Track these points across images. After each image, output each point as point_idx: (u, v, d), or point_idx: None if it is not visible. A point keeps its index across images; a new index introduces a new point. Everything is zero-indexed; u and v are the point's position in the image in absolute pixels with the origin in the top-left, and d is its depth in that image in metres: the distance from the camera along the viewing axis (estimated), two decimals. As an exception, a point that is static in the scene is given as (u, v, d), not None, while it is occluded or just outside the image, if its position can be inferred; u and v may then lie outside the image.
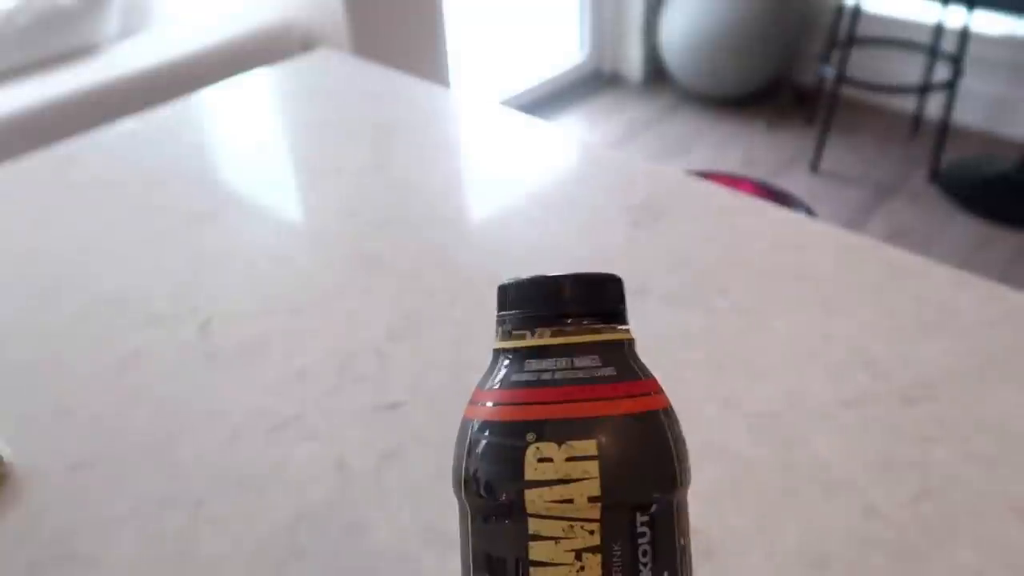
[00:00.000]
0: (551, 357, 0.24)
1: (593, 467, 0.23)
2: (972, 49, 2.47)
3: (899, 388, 0.57)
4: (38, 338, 0.66)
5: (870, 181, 2.47)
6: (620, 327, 0.26)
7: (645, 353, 0.61)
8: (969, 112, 2.65)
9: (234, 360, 0.62)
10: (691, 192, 0.81)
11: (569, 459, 0.23)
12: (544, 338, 0.25)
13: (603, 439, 0.23)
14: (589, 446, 0.23)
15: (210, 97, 1.08)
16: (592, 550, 0.23)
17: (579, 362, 0.24)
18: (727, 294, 0.67)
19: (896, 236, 2.21)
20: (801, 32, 2.78)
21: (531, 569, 0.23)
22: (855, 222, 2.29)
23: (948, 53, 2.40)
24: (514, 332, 0.25)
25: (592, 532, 0.23)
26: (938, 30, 2.45)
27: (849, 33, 2.40)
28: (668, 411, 0.25)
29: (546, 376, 0.24)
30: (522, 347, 0.25)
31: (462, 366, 0.61)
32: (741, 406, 0.56)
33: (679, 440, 0.25)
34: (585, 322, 0.25)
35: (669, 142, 2.72)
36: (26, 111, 1.76)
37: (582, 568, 0.23)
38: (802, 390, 0.57)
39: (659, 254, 0.72)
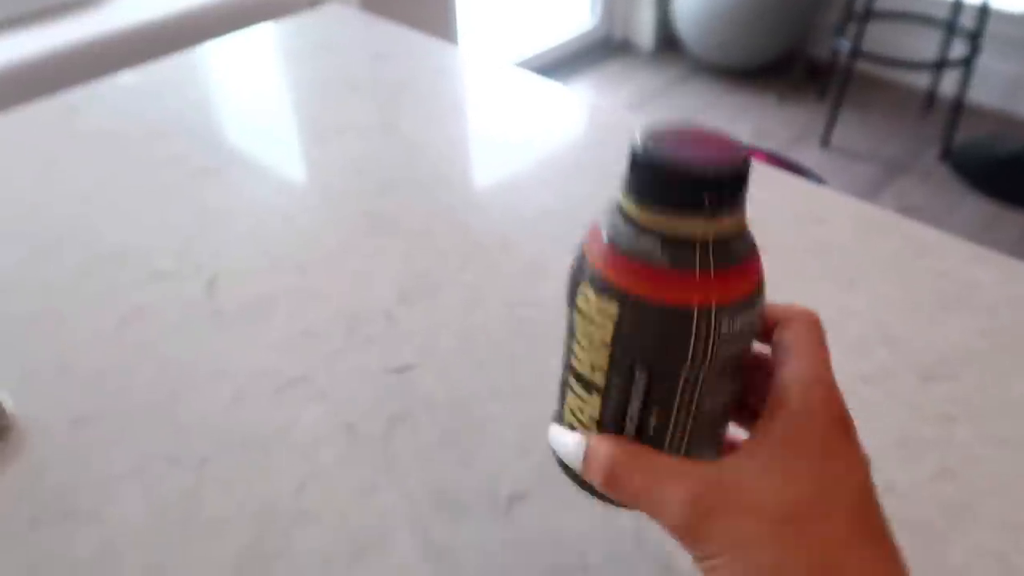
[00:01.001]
0: (631, 225, 0.29)
1: (609, 324, 0.29)
2: (991, 26, 2.42)
3: (918, 365, 0.56)
4: (40, 292, 0.65)
5: (881, 158, 2.44)
6: (713, 219, 0.28)
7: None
8: (984, 90, 2.62)
9: (239, 319, 0.61)
10: (708, 160, 0.79)
11: (598, 309, 0.29)
12: (646, 217, 0.28)
13: (623, 308, 0.29)
14: (611, 308, 0.29)
15: (215, 51, 1.05)
16: (599, 369, 0.31)
17: (644, 241, 0.28)
18: (745, 265, 0.65)
19: (905, 214, 2.19)
20: (816, 4, 2.73)
21: (572, 355, 0.32)
22: (864, 199, 2.26)
23: (966, 29, 2.36)
24: (631, 201, 0.29)
25: (603, 359, 0.31)
26: (956, 5, 2.41)
27: (866, 6, 2.35)
28: (706, 306, 0.28)
29: (619, 238, 0.29)
30: (625, 212, 0.29)
31: (473, 330, 0.59)
32: (758, 379, 0.55)
33: (707, 334, 0.29)
34: (677, 212, 0.28)
35: (678, 113, 2.68)
36: (29, 61, 1.73)
37: (592, 373, 0.31)
38: (820, 364, 0.56)
39: (675, 222, 0.70)
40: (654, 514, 0.29)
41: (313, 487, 0.49)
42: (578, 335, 0.31)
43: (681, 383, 0.30)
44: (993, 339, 0.57)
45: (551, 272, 0.65)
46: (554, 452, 0.34)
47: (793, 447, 0.29)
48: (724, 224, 0.28)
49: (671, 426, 0.31)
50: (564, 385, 0.34)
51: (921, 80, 2.72)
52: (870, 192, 2.30)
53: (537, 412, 0.53)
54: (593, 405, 0.32)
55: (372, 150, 0.82)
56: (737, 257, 0.28)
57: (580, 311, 0.30)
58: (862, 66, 2.64)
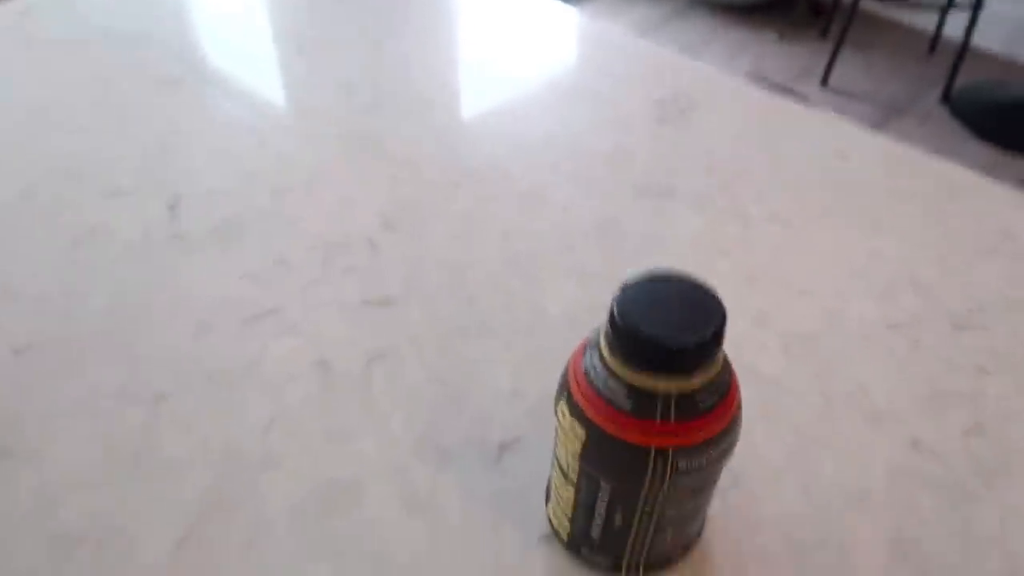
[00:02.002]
0: (599, 358, 0.31)
1: (579, 445, 0.32)
2: (1003, -34, 2.33)
3: (950, 313, 0.51)
4: (-18, 207, 0.58)
5: (881, 99, 2.37)
6: (673, 377, 0.29)
7: (669, 263, 0.55)
8: (989, 34, 2.54)
9: (205, 243, 0.55)
10: (722, 88, 0.73)
11: (571, 427, 0.32)
12: (616, 366, 0.30)
13: (590, 435, 0.31)
14: (581, 432, 0.31)
15: (186, -47, 0.96)
16: (574, 472, 0.34)
17: (613, 384, 0.30)
18: (762, 201, 0.60)
19: (903, 161, 2.14)
20: (824, -63, 2.62)
21: (556, 447, 0.35)
22: (863, 144, 2.20)
23: (977, -31, 2.27)
24: (606, 347, 0.31)
25: (575, 466, 0.33)
26: (970, -57, 2.31)
27: (876, -60, 2.25)
28: (662, 449, 0.30)
29: (590, 370, 0.31)
30: (601, 353, 0.31)
31: (462, 262, 0.54)
32: (776, 325, 0.50)
33: (656, 471, 0.31)
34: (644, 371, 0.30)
35: (676, 48, 2.58)
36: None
37: (570, 471, 0.34)
38: (843, 310, 0.51)
39: (686, 153, 0.64)
40: None
41: (282, 429, 0.44)
42: (559, 434, 0.34)
43: (642, 499, 0.32)
44: (1027, 286, 0.53)
45: (548, 203, 0.59)
46: None
47: None
48: (689, 383, 0.29)
49: (634, 526, 0.34)
50: (553, 459, 0.36)
51: (926, 21, 2.63)
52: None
53: (531, 353, 0.48)
54: (569, 492, 0.35)
55: (359, 67, 0.75)
56: (702, 408, 0.30)
57: (559, 419, 0.33)
58: (866, 5, 2.55)
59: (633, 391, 0.30)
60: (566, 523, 0.37)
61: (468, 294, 0.52)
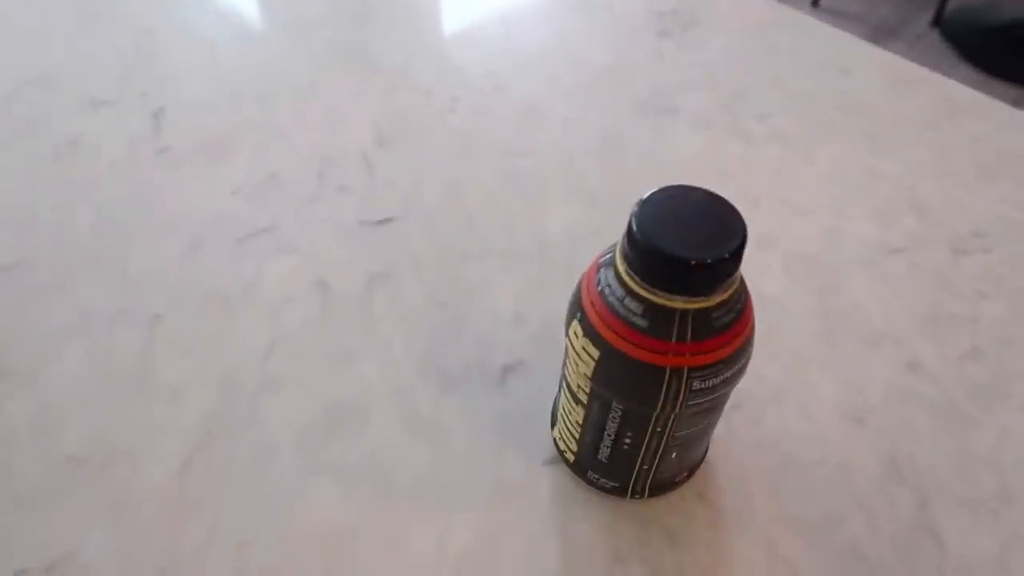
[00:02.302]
0: (617, 279, 0.30)
1: (591, 364, 0.31)
2: None
3: (950, 236, 0.51)
4: (-46, 117, 0.55)
5: (871, 21, 2.32)
6: (692, 298, 0.29)
7: (670, 182, 0.54)
8: (987, -49, 2.47)
9: (193, 157, 0.53)
10: (723, 1, 0.70)
11: (583, 347, 0.32)
12: (633, 279, 0.29)
13: (603, 354, 0.31)
14: (594, 352, 0.31)
15: None
16: (584, 391, 0.33)
17: (629, 303, 0.29)
18: (764, 119, 0.59)
19: (893, 81, 2.11)
20: None
21: (565, 368, 0.35)
22: (853, 63, 2.17)
23: None
24: (623, 264, 0.30)
25: (586, 385, 0.33)
26: None
27: None
28: (678, 375, 0.30)
29: (606, 290, 0.30)
30: (617, 271, 0.30)
31: (461, 180, 0.53)
32: (776, 244, 0.50)
33: (670, 387, 0.30)
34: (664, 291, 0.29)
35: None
36: None
37: (581, 391, 0.34)
38: (844, 231, 0.51)
39: (688, 69, 0.63)
40: None
41: (282, 351, 0.43)
42: (569, 356, 0.33)
43: (653, 420, 0.32)
44: (1028, 210, 0.53)
45: (547, 118, 0.57)
46: None
47: None
48: (708, 301, 0.29)
49: (643, 447, 0.34)
50: (561, 381, 0.36)
51: (923, -64, 2.55)
52: (859, 56, 2.20)
53: (534, 274, 0.47)
54: (578, 414, 0.35)
55: (342, -30, 0.71)
56: (718, 327, 0.29)
57: (570, 341, 0.32)
58: (864, -83, 2.46)
59: (650, 309, 0.29)
60: (573, 445, 0.37)
61: (467, 214, 0.51)
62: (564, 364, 0.35)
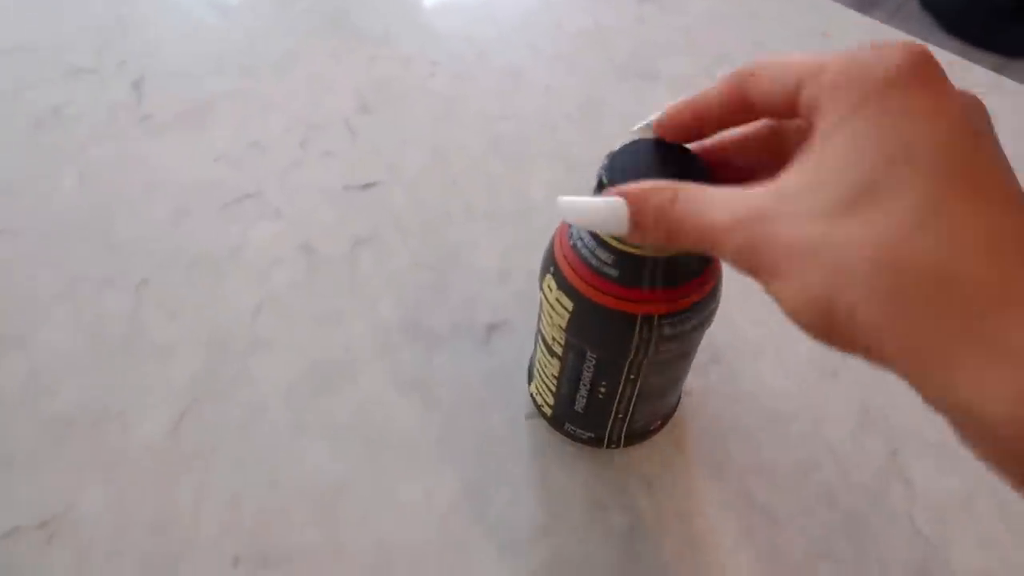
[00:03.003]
0: (600, 247, 0.30)
1: (566, 316, 0.32)
2: None
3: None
4: (-67, 87, 0.55)
5: (855, -11, 2.32)
6: (645, 247, 0.30)
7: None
8: (969, -81, 2.47)
9: (175, 125, 0.53)
10: (704, -35, 0.70)
11: (558, 300, 0.33)
12: (604, 235, 0.30)
13: (576, 306, 0.32)
14: (568, 303, 0.32)
15: None
16: (559, 343, 0.34)
17: (600, 254, 0.30)
18: (743, 82, 0.59)
19: (875, 50, 2.12)
20: None
21: (539, 321, 0.36)
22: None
23: None
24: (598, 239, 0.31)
25: (561, 338, 0.34)
26: None
27: None
28: (640, 318, 0.31)
29: (578, 244, 0.31)
30: (595, 235, 0.30)
31: (444, 144, 0.53)
32: (755, 206, 0.51)
33: (640, 337, 0.31)
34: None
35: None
36: None
37: (555, 344, 0.35)
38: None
39: (669, 34, 0.63)
40: (708, 244, 0.24)
41: (269, 313, 0.44)
42: (544, 309, 0.34)
43: (626, 368, 0.33)
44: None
45: (530, 82, 0.58)
46: (568, 233, 0.32)
47: (844, 137, 0.21)
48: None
49: (618, 396, 0.35)
50: (537, 336, 0.37)
51: (906, -96, 2.55)
52: (842, 26, 2.20)
53: (516, 235, 0.48)
54: (554, 366, 0.36)
55: (321, -63, 0.71)
56: (687, 273, 0.30)
57: (544, 294, 0.33)
58: None
59: (620, 258, 0.30)
60: (550, 399, 0.38)
61: (451, 178, 0.51)
62: (539, 319, 0.36)
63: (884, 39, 0.63)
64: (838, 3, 0.65)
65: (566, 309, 0.32)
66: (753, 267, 0.22)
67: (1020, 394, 0.18)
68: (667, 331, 0.31)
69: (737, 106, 0.26)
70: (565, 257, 0.32)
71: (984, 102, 0.57)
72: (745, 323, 0.45)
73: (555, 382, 0.37)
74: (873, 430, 0.41)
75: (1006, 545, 0.37)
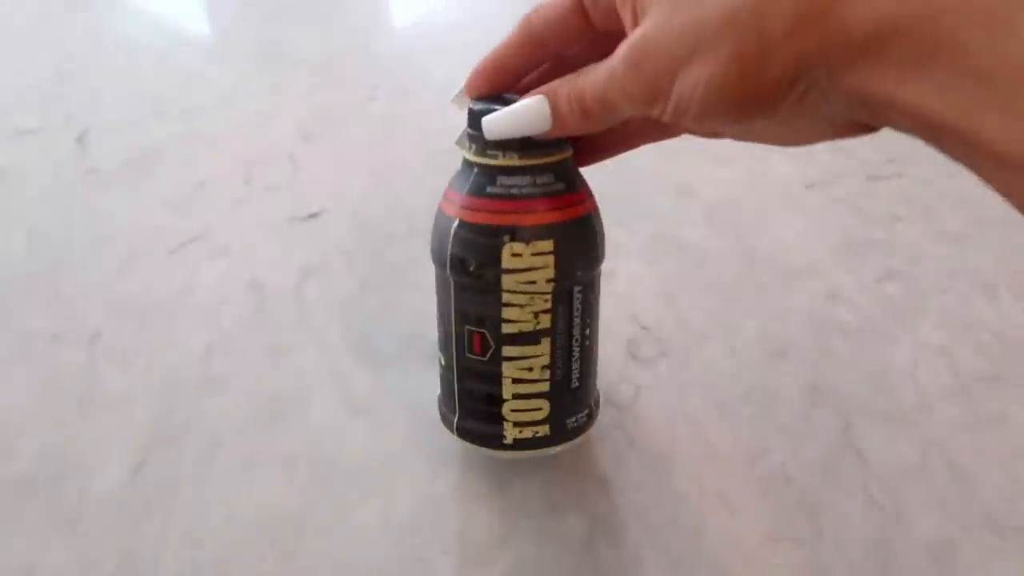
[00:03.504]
0: (518, 175, 0.31)
1: (550, 260, 0.31)
2: None
3: (865, 165, 0.52)
4: None
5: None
6: (567, 147, 0.32)
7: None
8: None
9: (120, 175, 0.54)
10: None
11: (534, 254, 0.31)
12: (512, 160, 0.31)
13: (557, 239, 0.31)
14: (547, 245, 0.31)
15: None
16: (545, 312, 0.33)
17: (539, 180, 0.31)
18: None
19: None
20: None
21: (503, 324, 0.33)
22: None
23: None
24: (488, 152, 0.31)
25: (546, 300, 0.32)
26: None
27: None
28: (595, 211, 0.33)
29: (514, 191, 0.31)
30: (494, 165, 0.31)
31: (387, 167, 0.54)
32: (697, 194, 0.51)
33: (601, 232, 0.34)
34: (542, 147, 0.31)
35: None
36: None
37: (538, 323, 0.33)
38: (762, 173, 0.52)
39: (603, 30, 0.63)
40: (615, 100, 0.27)
41: (221, 352, 0.44)
42: (509, 299, 0.32)
43: (597, 284, 0.34)
44: (940, 131, 0.54)
45: (469, 95, 0.58)
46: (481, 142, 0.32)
47: None
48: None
49: (595, 329, 0.35)
50: (491, 368, 0.34)
51: None
52: None
53: (462, 249, 0.49)
54: (544, 351, 0.34)
55: (256, -29, 0.71)
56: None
57: (510, 271, 0.32)
58: None
59: (557, 169, 0.31)
60: (542, 412, 0.35)
61: (394, 197, 0.52)
62: (491, 335, 0.33)
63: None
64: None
65: (549, 254, 0.31)
66: (651, 80, 0.25)
67: None
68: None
69: (529, 48, 0.30)
70: (519, 210, 0.31)
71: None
72: (691, 311, 0.45)
73: (549, 372, 0.34)
74: (823, 405, 0.41)
75: (963, 508, 0.37)
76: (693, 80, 0.23)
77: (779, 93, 0.22)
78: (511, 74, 0.31)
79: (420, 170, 0.53)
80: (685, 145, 0.54)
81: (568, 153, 0.32)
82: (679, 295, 0.46)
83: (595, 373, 0.37)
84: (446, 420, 0.38)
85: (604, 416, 0.41)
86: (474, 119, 0.31)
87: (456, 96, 0.32)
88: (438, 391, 0.39)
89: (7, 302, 0.47)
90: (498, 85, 0.31)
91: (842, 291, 0.46)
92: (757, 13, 0.21)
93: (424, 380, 0.43)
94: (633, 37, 0.25)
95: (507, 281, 0.32)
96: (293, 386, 0.43)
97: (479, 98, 0.32)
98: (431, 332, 0.45)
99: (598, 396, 0.39)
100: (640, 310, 0.45)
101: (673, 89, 0.24)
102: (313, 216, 0.51)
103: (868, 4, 0.20)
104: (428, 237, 0.50)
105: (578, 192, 0.32)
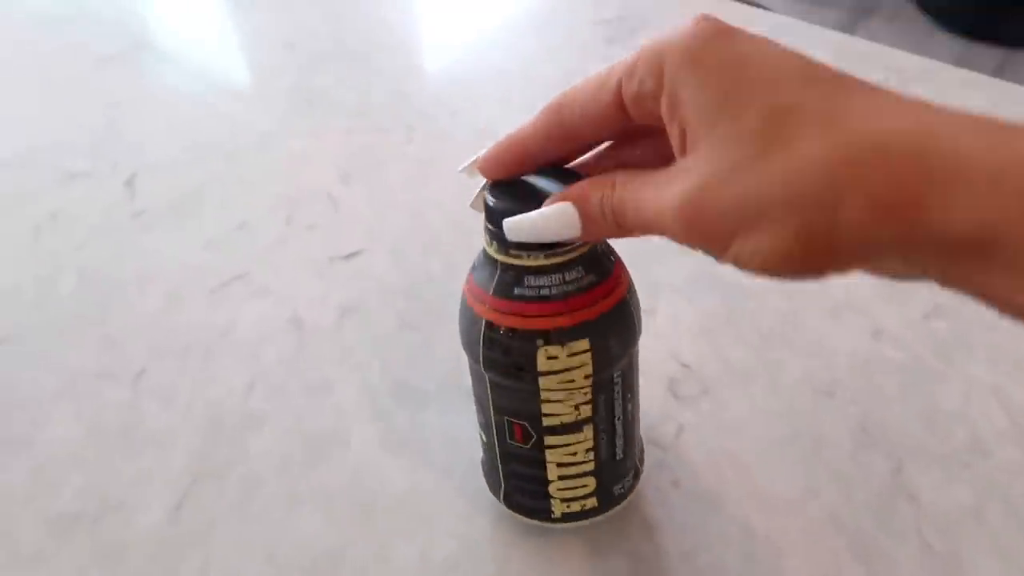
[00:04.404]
0: (546, 276, 0.29)
1: (587, 358, 0.31)
2: None
3: (906, 201, 0.52)
4: (-61, 206, 0.58)
5: (847, 1, 2.34)
6: None
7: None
8: (952, -81, 2.48)
9: (166, 216, 0.55)
10: (670, 2, 0.72)
11: (571, 355, 0.30)
12: (539, 260, 0.29)
13: (592, 337, 0.30)
14: (583, 344, 0.30)
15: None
16: (586, 403, 0.32)
17: (568, 276, 0.29)
18: (715, 111, 0.60)
19: (874, 58, 2.12)
20: None
21: (543, 417, 0.32)
22: (831, 45, 2.18)
23: None
24: (512, 252, 0.29)
25: (586, 393, 0.32)
26: None
27: None
28: (631, 288, 0.32)
29: (544, 292, 0.30)
30: (520, 265, 0.29)
31: (423, 206, 0.54)
32: (735, 231, 0.51)
33: (637, 311, 0.32)
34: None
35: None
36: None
37: (579, 413, 0.32)
38: (801, 210, 0.52)
39: (637, 71, 0.64)
40: (656, 226, 0.25)
41: (262, 388, 0.45)
42: (547, 396, 0.32)
43: (635, 358, 0.34)
44: (982, 167, 0.53)
45: (501, 135, 0.59)
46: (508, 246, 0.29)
47: (706, 98, 0.23)
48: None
49: (636, 397, 0.35)
50: (534, 454, 0.34)
51: (887, -88, 2.57)
52: (837, 38, 2.21)
53: (500, 287, 0.49)
54: (586, 436, 0.33)
55: (298, 20, 0.73)
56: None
57: (547, 373, 0.31)
58: (825, -99, 2.48)
59: (588, 265, 0.30)
60: (588, 487, 0.35)
61: (431, 237, 0.52)
62: (532, 428, 0.33)
63: (859, 56, 0.63)
64: (815, 24, 0.66)
65: (586, 352, 0.30)
66: (706, 237, 0.23)
67: None
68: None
69: (557, 136, 0.28)
70: (555, 311, 0.30)
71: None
72: (733, 349, 0.44)
73: (592, 455, 0.34)
74: (873, 446, 0.40)
75: (1022, 554, 0.36)
76: (753, 246, 0.22)
77: (847, 267, 0.21)
78: (533, 160, 0.29)
79: (456, 210, 0.54)
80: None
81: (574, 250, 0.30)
82: (720, 333, 0.45)
83: (638, 433, 0.37)
84: (493, 489, 0.38)
85: (647, 456, 0.40)
86: (494, 217, 0.29)
87: (467, 167, 0.30)
88: (481, 454, 0.38)
89: (56, 339, 0.48)
90: (517, 170, 0.29)
91: (888, 328, 0.45)
92: (827, 199, 0.20)
93: (462, 419, 0.42)
94: (686, 190, 0.23)
95: (544, 381, 0.31)
96: (333, 424, 0.43)
97: (496, 182, 0.30)
98: (468, 373, 0.44)
99: (642, 448, 0.38)
100: (681, 348, 0.45)
101: (730, 249, 0.22)
102: (352, 255, 0.51)
103: (963, 207, 0.19)
104: (464, 276, 0.50)
105: (610, 278, 0.31)
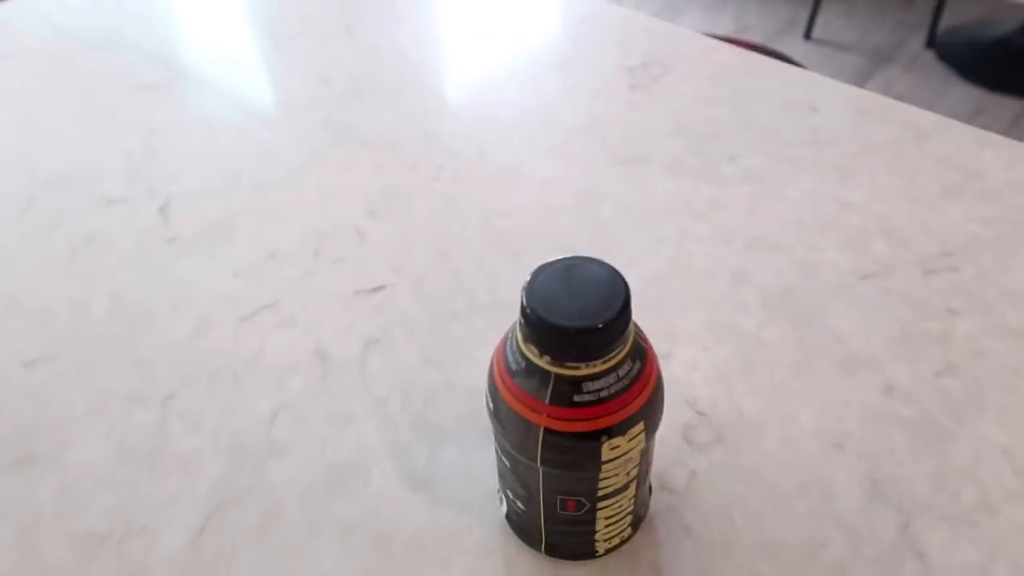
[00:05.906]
0: (603, 377, 0.31)
1: (643, 436, 0.33)
2: (980, -101, 2.30)
3: (920, 257, 0.53)
4: (-20, 224, 0.60)
5: (866, 48, 2.36)
6: (630, 318, 0.31)
7: (647, 228, 0.56)
8: (972, -29, 2.51)
9: (198, 244, 0.57)
10: (692, 50, 0.74)
11: (630, 440, 0.33)
12: (596, 367, 0.31)
13: (647, 417, 0.33)
14: (641, 427, 0.33)
15: (156, -46, 0.97)
16: (635, 467, 0.35)
17: (621, 372, 0.31)
18: (734, 160, 0.61)
19: (891, 105, 2.13)
20: None
21: (599, 490, 0.35)
22: (849, 91, 2.19)
23: (955, -96, 2.24)
24: (568, 364, 0.31)
25: (636, 462, 0.35)
26: None
27: None
28: (657, 362, 0.34)
29: (604, 394, 0.31)
30: (578, 376, 0.31)
31: (449, 242, 0.56)
32: (752, 281, 0.52)
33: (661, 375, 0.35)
34: (619, 336, 0.30)
35: (657, 6, 2.57)
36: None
37: (629, 476, 0.35)
38: (817, 262, 0.53)
39: (660, 118, 0.66)
40: None
41: (286, 417, 0.46)
42: (606, 474, 0.34)
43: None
44: (996, 226, 0.55)
45: (528, 177, 0.61)
46: None
47: None
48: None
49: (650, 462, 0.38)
50: (586, 517, 0.36)
51: (907, -38, 2.60)
52: (856, 83, 2.23)
53: (520, 327, 0.50)
54: (632, 491, 0.36)
55: (333, 55, 0.76)
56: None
57: (609, 460, 0.33)
58: (846, -50, 2.52)
59: (634, 361, 0.32)
60: (628, 521, 0.38)
61: (455, 273, 0.53)
62: (588, 505, 0.35)
63: (872, 111, 0.65)
64: (826, 77, 0.68)
65: (640, 434, 0.33)
66: None
67: None
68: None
69: None
70: (617, 408, 0.32)
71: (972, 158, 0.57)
72: (746, 400, 0.45)
73: (632, 503, 0.37)
74: (882, 501, 0.41)
75: (1028, 614, 0.36)
76: None
77: None
78: None
79: (482, 249, 0.55)
80: (740, 231, 0.55)
81: (633, 325, 0.32)
82: (735, 382, 0.46)
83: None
84: (528, 542, 0.39)
85: (660, 501, 0.41)
86: (550, 336, 0.30)
87: None
88: (504, 508, 0.39)
89: (88, 361, 0.49)
90: None
91: (900, 385, 0.46)
92: None
93: (481, 456, 0.43)
94: None
95: (606, 468, 0.33)
96: (354, 455, 0.44)
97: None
98: (487, 416, 0.46)
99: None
100: (696, 395, 0.46)
101: None
102: (377, 289, 0.53)
103: None
104: (488, 313, 0.51)
105: (648, 358, 0.33)
